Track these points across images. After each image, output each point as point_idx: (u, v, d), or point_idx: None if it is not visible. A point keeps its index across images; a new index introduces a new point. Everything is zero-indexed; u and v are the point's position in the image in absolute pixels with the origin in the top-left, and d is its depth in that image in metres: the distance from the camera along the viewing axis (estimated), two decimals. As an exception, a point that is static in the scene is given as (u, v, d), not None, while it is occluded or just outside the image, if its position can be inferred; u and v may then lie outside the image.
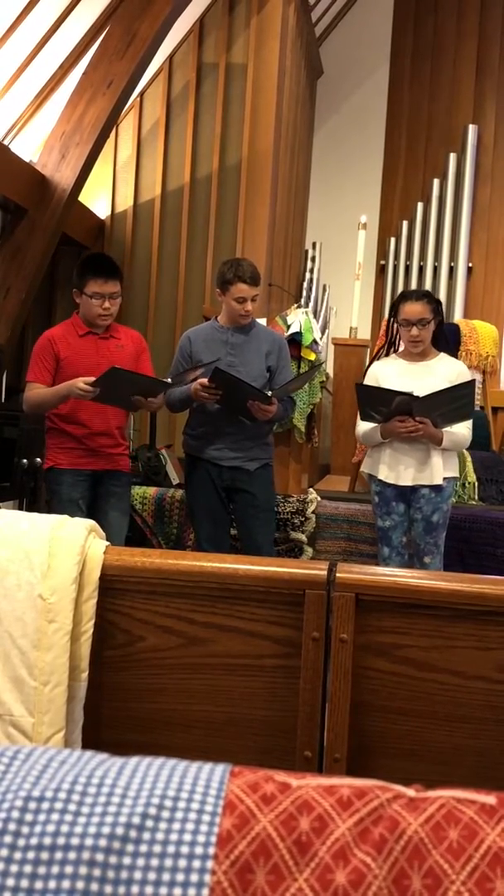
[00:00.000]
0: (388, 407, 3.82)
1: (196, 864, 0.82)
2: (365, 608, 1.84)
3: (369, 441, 4.08)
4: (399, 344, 4.14)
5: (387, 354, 4.19)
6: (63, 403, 3.86)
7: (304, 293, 9.00)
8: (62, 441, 3.94)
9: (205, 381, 3.88)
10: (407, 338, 3.99)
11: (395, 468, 3.99)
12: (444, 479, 3.98)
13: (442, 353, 4.08)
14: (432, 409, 3.79)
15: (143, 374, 3.74)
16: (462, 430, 3.95)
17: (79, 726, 1.88)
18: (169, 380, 3.84)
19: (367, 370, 4.24)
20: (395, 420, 3.87)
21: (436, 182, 9.54)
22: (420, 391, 3.85)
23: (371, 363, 4.25)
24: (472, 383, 3.91)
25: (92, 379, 3.65)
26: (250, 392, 3.89)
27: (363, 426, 4.03)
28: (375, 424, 3.96)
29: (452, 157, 9.48)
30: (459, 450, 4.10)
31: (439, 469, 3.95)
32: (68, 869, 0.81)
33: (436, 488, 3.98)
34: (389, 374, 4.05)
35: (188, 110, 7.76)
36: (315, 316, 7.00)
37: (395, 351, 4.15)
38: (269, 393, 3.95)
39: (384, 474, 4.02)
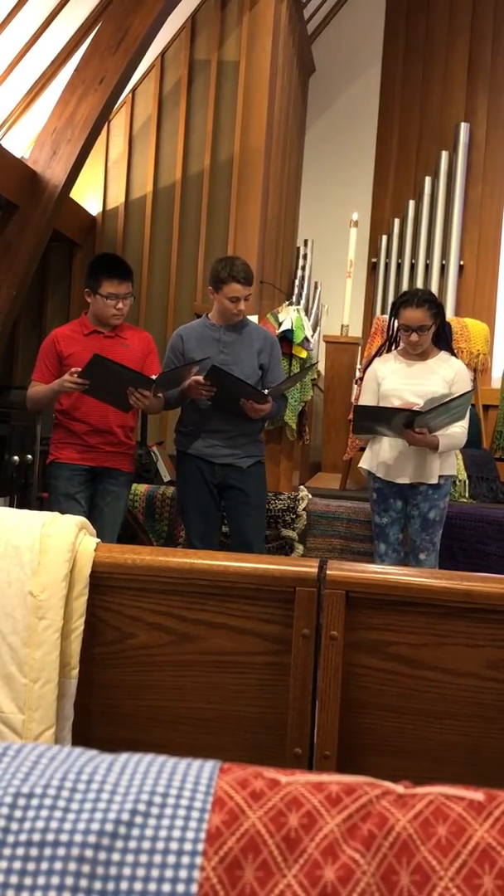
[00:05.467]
0: (389, 423, 3.82)
1: (185, 860, 0.82)
2: (355, 605, 1.85)
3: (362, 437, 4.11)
4: (399, 342, 4.12)
5: (388, 351, 4.18)
6: (66, 399, 3.93)
7: (296, 290, 9.00)
8: (64, 436, 4.00)
9: (199, 378, 3.87)
10: (406, 341, 3.99)
11: (394, 466, 3.99)
12: (442, 476, 3.99)
13: (442, 352, 4.07)
14: (432, 419, 3.80)
15: (127, 367, 3.75)
16: (457, 430, 3.95)
17: (69, 723, 1.88)
18: (153, 377, 3.84)
19: (366, 368, 4.23)
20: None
21: (427, 180, 9.55)
22: (419, 391, 3.87)
23: (371, 361, 4.24)
24: (469, 393, 3.92)
25: (79, 370, 3.69)
26: (246, 390, 3.89)
27: None
28: None
29: (444, 154, 9.49)
30: (455, 449, 4.10)
31: (437, 467, 3.96)
32: (58, 865, 0.81)
33: (434, 486, 3.98)
34: (388, 373, 4.04)
35: (180, 107, 7.74)
36: (306, 313, 7.00)
37: (396, 348, 4.14)
38: (266, 392, 3.96)
39: (382, 472, 4.02)
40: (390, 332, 4.16)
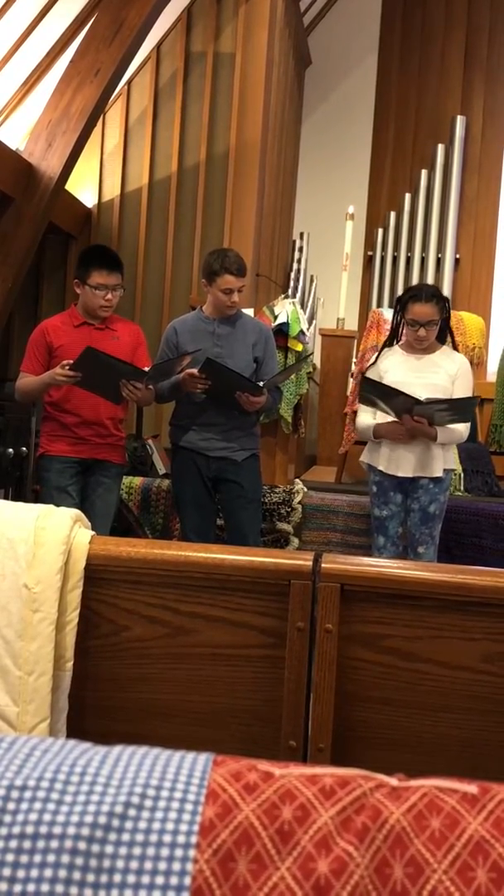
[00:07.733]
0: (389, 403, 3.84)
1: (178, 853, 0.82)
2: (350, 598, 1.85)
3: (364, 436, 4.12)
4: (402, 336, 4.13)
5: (390, 345, 4.19)
6: (56, 391, 3.91)
7: (292, 284, 8.99)
8: (54, 429, 3.98)
9: (194, 371, 3.87)
10: (413, 336, 3.99)
11: (395, 460, 4.00)
12: (443, 470, 4.00)
13: (444, 346, 4.09)
14: (434, 412, 3.81)
15: (119, 359, 3.74)
16: (459, 427, 3.96)
17: (63, 715, 1.88)
18: (146, 368, 3.84)
19: (373, 362, 4.21)
20: (393, 425, 3.91)
21: (424, 173, 9.54)
22: (422, 385, 3.88)
23: (378, 355, 4.23)
24: (475, 399, 3.94)
25: (71, 362, 3.68)
26: (241, 383, 3.88)
27: (362, 420, 4.06)
28: (372, 422, 4.00)
29: (440, 148, 9.48)
30: (455, 443, 4.12)
31: (440, 461, 3.97)
32: (50, 858, 0.81)
33: (435, 480, 3.99)
34: (392, 365, 4.05)
35: (176, 99, 7.72)
36: (302, 306, 7.00)
37: (398, 343, 4.15)
38: (261, 384, 3.95)
39: (384, 465, 4.02)
40: (394, 327, 4.17)
